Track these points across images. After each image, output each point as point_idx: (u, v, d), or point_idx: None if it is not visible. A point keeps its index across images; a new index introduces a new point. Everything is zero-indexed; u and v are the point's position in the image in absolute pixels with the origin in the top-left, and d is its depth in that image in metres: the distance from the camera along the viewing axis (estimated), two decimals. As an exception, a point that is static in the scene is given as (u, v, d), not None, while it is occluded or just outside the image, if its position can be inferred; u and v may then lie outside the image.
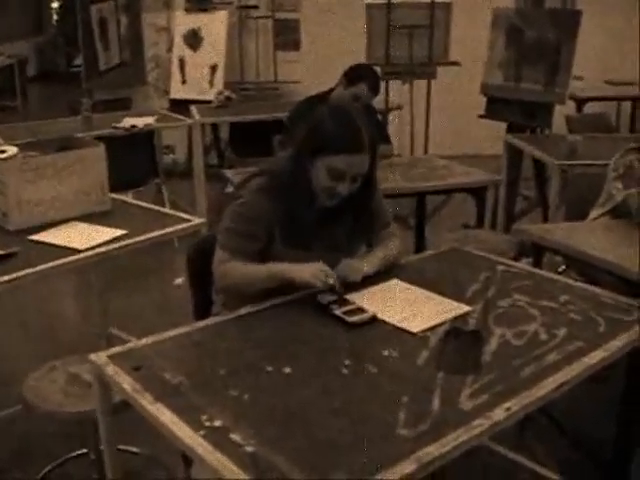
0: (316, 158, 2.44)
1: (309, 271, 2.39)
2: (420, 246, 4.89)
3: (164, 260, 5.27)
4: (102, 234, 3.13)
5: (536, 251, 3.36)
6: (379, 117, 5.51)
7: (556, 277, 2.79)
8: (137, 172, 5.70)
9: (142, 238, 3.13)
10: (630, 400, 2.68)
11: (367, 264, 2.59)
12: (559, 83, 5.64)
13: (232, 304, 2.49)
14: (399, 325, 2.28)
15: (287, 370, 2.02)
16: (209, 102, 6.69)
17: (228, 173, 4.31)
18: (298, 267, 2.41)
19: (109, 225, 3.22)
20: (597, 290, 2.60)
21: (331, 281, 2.37)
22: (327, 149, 2.42)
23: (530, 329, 2.28)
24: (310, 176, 2.47)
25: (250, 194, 2.52)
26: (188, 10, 7.93)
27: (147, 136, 5.88)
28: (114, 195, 3.58)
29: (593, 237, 3.30)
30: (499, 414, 1.83)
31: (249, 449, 1.67)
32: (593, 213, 3.60)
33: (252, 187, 2.53)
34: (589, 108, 7.34)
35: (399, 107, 7.23)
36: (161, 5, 8.12)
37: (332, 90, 4.51)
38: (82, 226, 3.25)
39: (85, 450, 3.07)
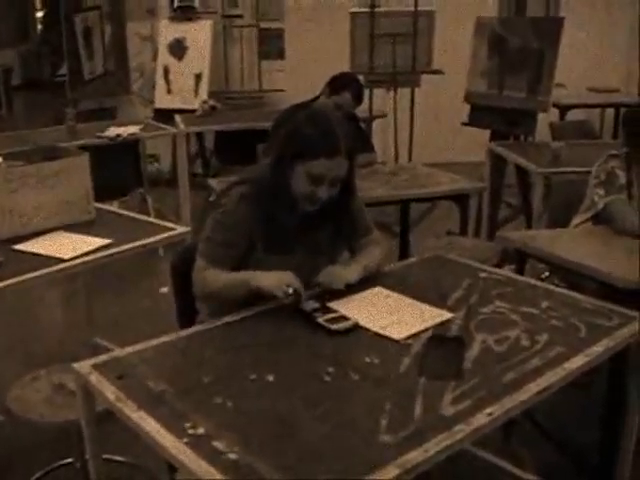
0: (295, 163, 2.45)
1: (271, 280, 2.40)
2: (405, 253, 4.90)
3: (149, 269, 5.26)
4: (87, 243, 3.13)
5: (519, 258, 3.38)
6: (362, 125, 5.53)
7: (537, 283, 2.81)
8: (122, 181, 5.68)
9: (127, 247, 3.13)
10: (612, 405, 2.70)
11: (350, 272, 2.60)
12: (542, 91, 5.68)
13: (217, 313, 2.50)
14: (382, 332, 2.29)
15: (270, 378, 2.03)
16: (194, 111, 6.70)
17: (212, 182, 4.32)
18: (264, 275, 2.43)
19: (94, 234, 3.23)
20: (578, 296, 2.62)
21: (290, 291, 2.37)
22: (305, 154, 2.42)
23: (512, 335, 2.29)
24: (290, 182, 2.48)
25: (231, 202, 2.53)
26: (172, 19, 7.91)
27: (132, 145, 5.86)
28: (99, 204, 3.58)
29: (575, 244, 3.32)
30: (481, 419, 1.84)
31: (232, 456, 1.67)
32: (575, 220, 3.62)
33: (233, 195, 2.54)
34: (572, 115, 7.37)
35: (383, 115, 7.25)
36: (145, 14, 8.12)
37: (316, 99, 4.53)
38: (67, 235, 3.25)
39: (70, 459, 3.06)
